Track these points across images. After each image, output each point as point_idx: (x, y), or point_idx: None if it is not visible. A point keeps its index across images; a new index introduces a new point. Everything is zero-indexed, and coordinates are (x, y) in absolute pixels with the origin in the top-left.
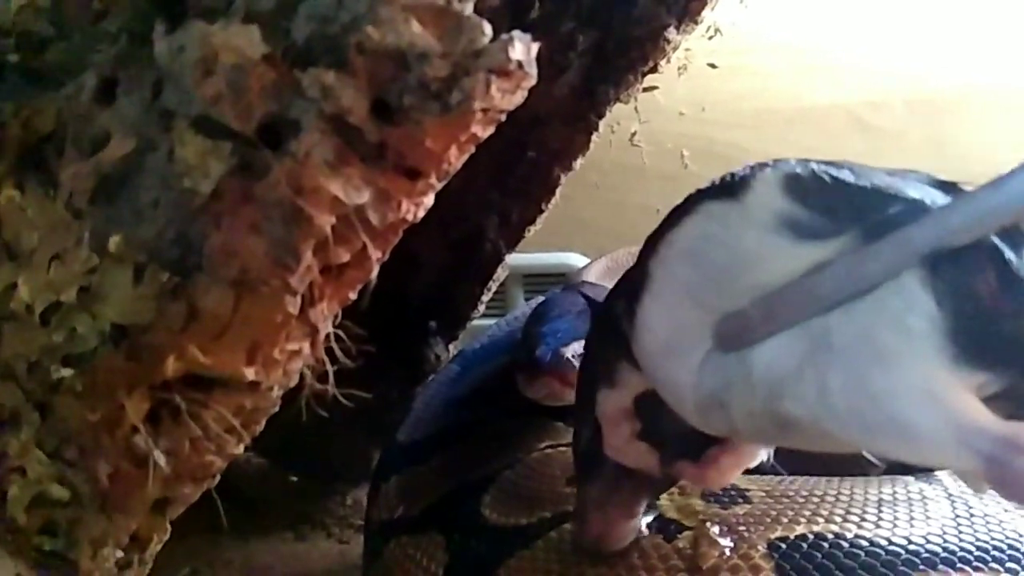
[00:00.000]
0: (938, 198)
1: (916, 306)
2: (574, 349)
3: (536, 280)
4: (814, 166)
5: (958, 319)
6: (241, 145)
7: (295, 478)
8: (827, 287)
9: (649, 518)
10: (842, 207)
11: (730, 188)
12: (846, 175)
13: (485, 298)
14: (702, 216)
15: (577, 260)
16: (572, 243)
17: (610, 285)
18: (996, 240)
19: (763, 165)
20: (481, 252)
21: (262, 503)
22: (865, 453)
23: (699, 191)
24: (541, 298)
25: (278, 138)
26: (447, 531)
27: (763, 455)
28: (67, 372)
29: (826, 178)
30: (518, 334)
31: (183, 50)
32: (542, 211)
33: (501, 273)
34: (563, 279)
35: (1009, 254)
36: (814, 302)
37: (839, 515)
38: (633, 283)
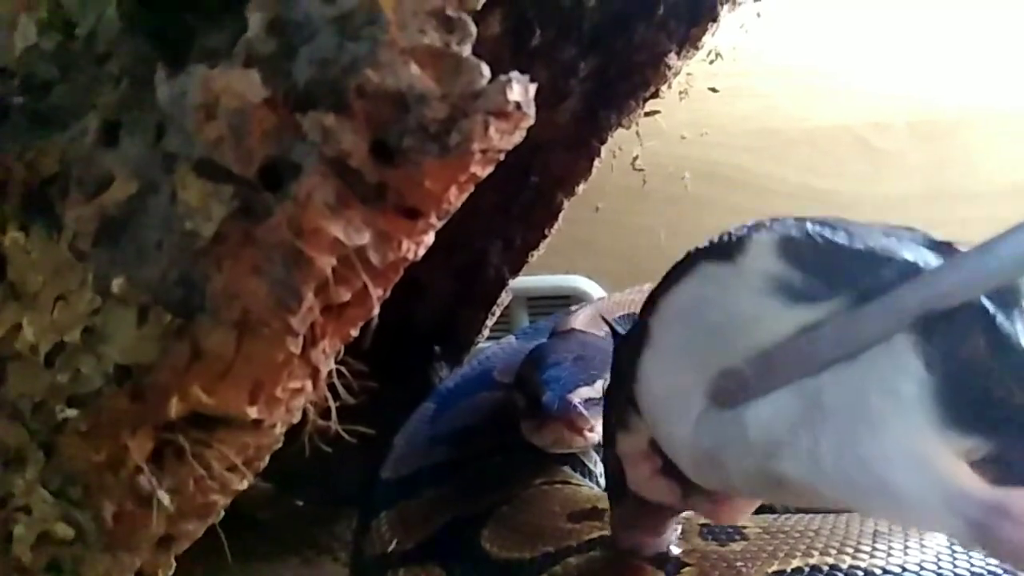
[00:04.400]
0: (932, 260)
1: (906, 370)
2: (580, 395)
3: (540, 303)
4: (809, 227)
5: (947, 383)
6: (242, 188)
7: (301, 503)
8: (819, 349)
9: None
10: (835, 270)
11: (726, 249)
12: (841, 237)
13: (489, 322)
14: (698, 277)
15: (581, 283)
16: (576, 266)
17: (598, 332)
18: (986, 302)
19: (759, 226)
20: (485, 277)
21: (268, 528)
22: None
23: (697, 250)
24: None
25: (279, 181)
26: (447, 564)
27: None
28: (72, 412)
29: (820, 240)
30: (492, 372)
31: (185, 94)
32: (545, 236)
33: (505, 297)
34: (567, 301)
35: (1000, 317)
36: (807, 363)
37: (834, 548)
38: (634, 338)
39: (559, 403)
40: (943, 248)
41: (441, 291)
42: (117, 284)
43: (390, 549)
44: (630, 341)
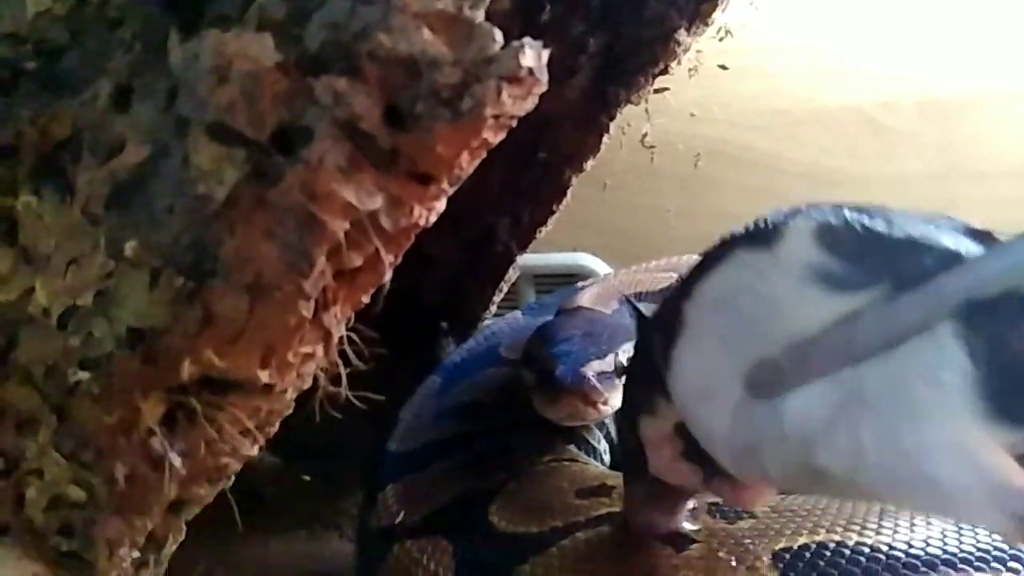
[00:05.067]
0: (972, 248)
1: (949, 360)
2: (593, 368)
3: (547, 280)
4: (847, 215)
5: (992, 374)
6: (255, 152)
7: (308, 478)
8: (859, 338)
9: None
10: (875, 258)
11: (763, 237)
12: (880, 225)
13: (496, 298)
14: (735, 264)
15: (588, 260)
16: (583, 244)
17: (604, 309)
18: None
19: (796, 212)
20: (493, 253)
21: (275, 503)
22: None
23: (732, 236)
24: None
25: (291, 145)
26: (454, 537)
27: None
28: (84, 375)
29: (859, 228)
30: (498, 348)
31: (197, 58)
32: (553, 212)
33: (512, 274)
34: (573, 279)
35: None
36: (846, 353)
37: (840, 525)
38: (668, 323)
39: (573, 376)
40: (982, 236)
41: (449, 266)
42: (130, 248)
43: (397, 522)
44: (662, 326)
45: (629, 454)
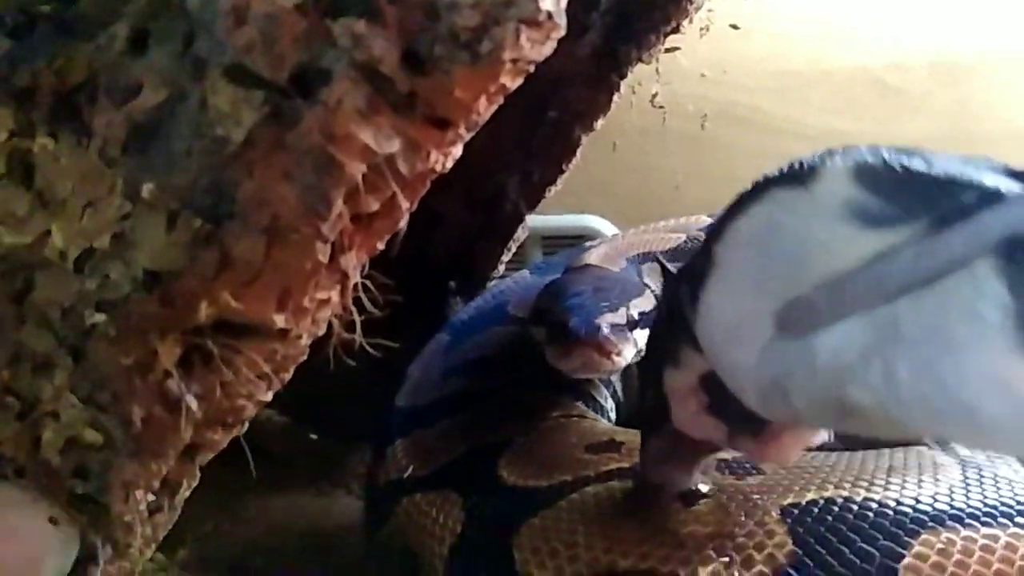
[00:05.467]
0: (1012, 186)
1: (988, 295)
2: (607, 320)
3: (555, 242)
4: (885, 154)
5: None
6: (273, 94)
7: (315, 436)
8: (896, 275)
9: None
10: (914, 195)
11: (799, 176)
12: (918, 163)
13: (505, 258)
14: (769, 203)
15: (595, 222)
16: (591, 206)
17: (612, 267)
18: None
19: (832, 153)
20: (502, 212)
21: (284, 461)
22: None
23: (766, 178)
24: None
25: (309, 87)
26: (463, 490)
27: (824, 434)
28: (100, 317)
29: (897, 167)
30: (506, 307)
31: (215, 0)
32: (563, 171)
33: (521, 233)
34: (581, 240)
35: None
36: (882, 290)
37: (849, 481)
38: (698, 267)
39: (587, 327)
40: (1022, 176)
41: (458, 225)
42: (147, 190)
43: (406, 475)
44: (691, 271)
45: (650, 409)
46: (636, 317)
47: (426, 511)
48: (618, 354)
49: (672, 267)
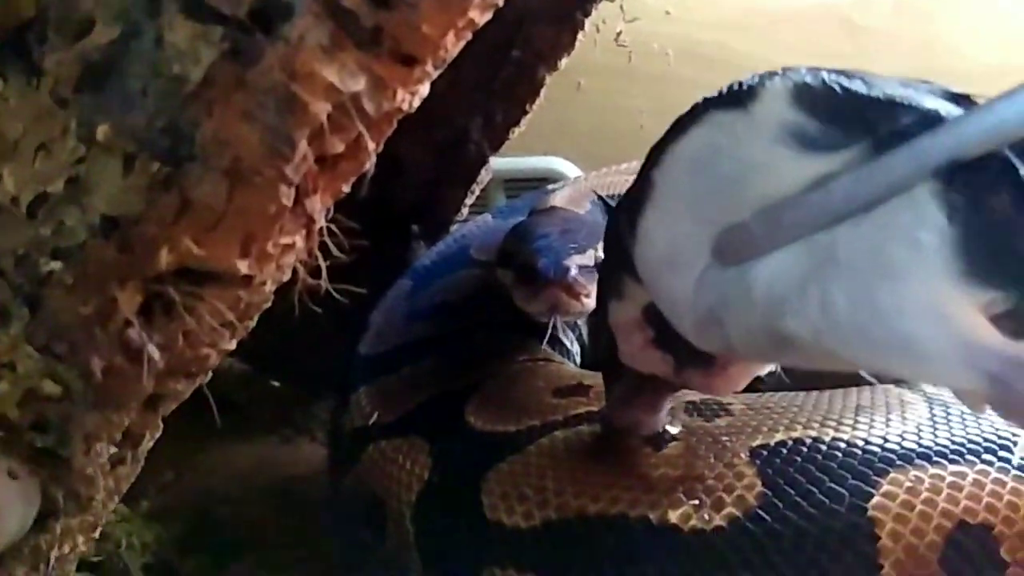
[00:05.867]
0: (952, 110)
1: (927, 220)
2: (576, 261)
3: (518, 184)
4: (825, 75)
5: (969, 235)
6: (232, 29)
7: (277, 384)
8: (835, 200)
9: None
10: (853, 118)
11: (738, 97)
12: (858, 85)
13: (468, 201)
14: (708, 126)
15: (559, 164)
16: (555, 147)
17: (578, 210)
18: (1010, 155)
19: (772, 74)
20: (465, 154)
21: (246, 409)
22: (863, 373)
23: (706, 100)
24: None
25: (270, 22)
26: (430, 436)
27: (772, 365)
28: (56, 265)
29: (837, 88)
30: (469, 250)
31: None
32: (527, 112)
33: (484, 176)
34: (545, 183)
35: (1022, 169)
36: (821, 215)
37: (817, 421)
38: (636, 194)
39: (555, 268)
40: (962, 100)
41: (420, 168)
42: (102, 131)
43: (371, 422)
44: (629, 199)
45: (605, 350)
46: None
47: (392, 458)
48: (587, 295)
49: (612, 201)
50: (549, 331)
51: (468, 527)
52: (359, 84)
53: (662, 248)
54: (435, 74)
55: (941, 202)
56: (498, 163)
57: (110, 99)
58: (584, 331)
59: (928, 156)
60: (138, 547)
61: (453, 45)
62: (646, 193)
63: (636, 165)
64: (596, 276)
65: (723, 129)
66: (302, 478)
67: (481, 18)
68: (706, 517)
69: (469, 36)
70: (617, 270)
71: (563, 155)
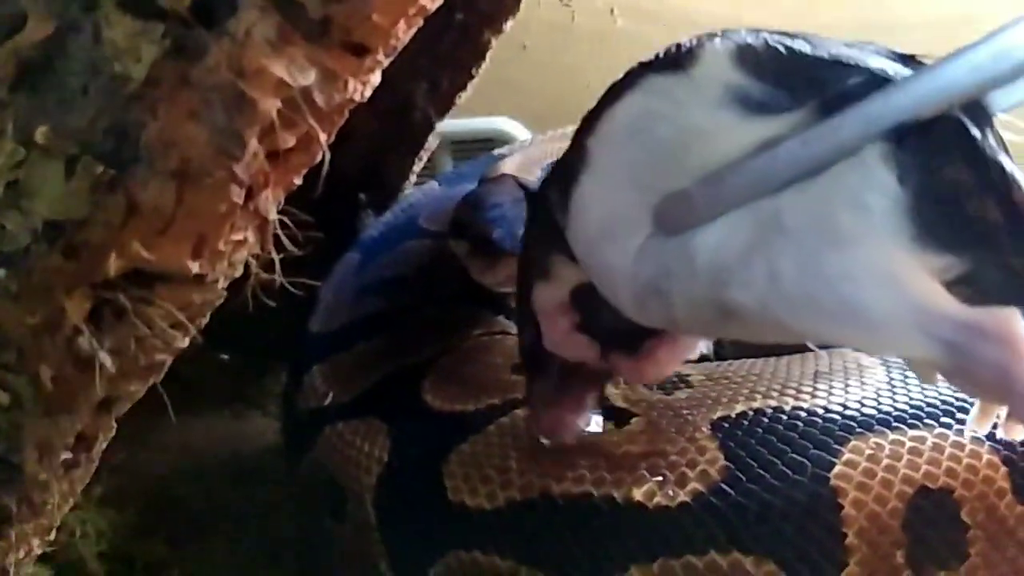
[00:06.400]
0: (900, 70)
1: (876, 183)
2: None
3: (465, 146)
4: (767, 36)
5: (921, 197)
6: (174, 25)
7: (227, 357)
8: (780, 164)
9: (599, 418)
10: (798, 79)
11: (676, 61)
12: (801, 45)
13: (416, 168)
14: (645, 91)
15: (506, 125)
16: (500, 107)
17: (529, 177)
18: (961, 116)
19: (711, 35)
20: (411, 121)
21: (196, 383)
22: (810, 344)
23: (642, 64)
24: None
25: (214, 16)
26: (388, 417)
27: (702, 347)
28: (0, 272)
29: (780, 49)
30: (417, 220)
31: None
32: (472, 76)
33: (432, 142)
34: (492, 144)
35: (976, 133)
36: (765, 181)
37: (776, 390)
38: (569, 165)
39: (511, 239)
40: (908, 60)
41: (366, 136)
42: (41, 133)
43: (326, 403)
44: (560, 171)
45: (527, 345)
46: None
47: (350, 440)
48: None
49: (527, 182)
50: (502, 300)
51: (431, 510)
52: (309, 78)
53: (599, 218)
54: (387, 62)
55: (891, 164)
56: (445, 125)
57: (49, 99)
58: None
59: (877, 117)
60: (93, 536)
61: (404, 33)
62: (581, 162)
63: None
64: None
65: (662, 94)
66: (257, 454)
67: (432, 5)
68: (670, 493)
69: (420, 22)
70: (544, 249)
71: (509, 114)
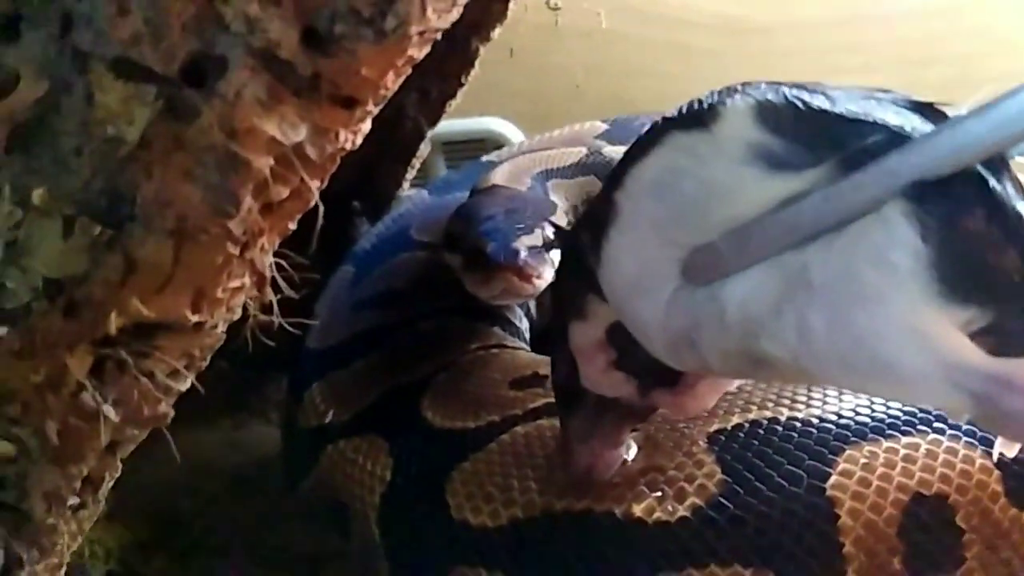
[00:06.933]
0: (918, 124)
1: (899, 241)
2: (524, 243)
3: (457, 147)
4: (787, 91)
5: (944, 253)
6: (166, 87)
7: (226, 364)
8: (804, 219)
9: (634, 448)
10: (818, 136)
11: (699, 117)
12: (821, 101)
13: (409, 175)
14: (669, 147)
15: (498, 125)
16: (491, 110)
17: (519, 187)
18: (981, 170)
19: (731, 91)
20: (402, 131)
21: (197, 393)
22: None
23: (665, 119)
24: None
25: (204, 77)
26: (389, 435)
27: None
28: (2, 330)
29: (800, 105)
30: (409, 231)
31: None
32: (462, 85)
33: (424, 150)
34: (484, 145)
35: (995, 184)
36: (790, 235)
37: (771, 400)
38: (599, 215)
39: (506, 252)
40: (926, 110)
41: (358, 148)
42: (37, 195)
43: (327, 421)
44: (592, 218)
45: (563, 382)
46: (552, 237)
47: (352, 459)
48: (538, 277)
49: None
50: (498, 311)
51: (435, 528)
52: (300, 134)
53: (630, 271)
54: (377, 111)
55: (913, 222)
56: (437, 127)
57: (43, 159)
58: (531, 304)
59: (897, 175)
60: (101, 555)
61: (393, 82)
62: (610, 216)
63: (568, 134)
64: (544, 256)
65: (685, 151)
66: (260, 464)
67: (420, 53)
68: (670, 509)
69: (409, 70)
70: (578, 290)
71: (500, 115)
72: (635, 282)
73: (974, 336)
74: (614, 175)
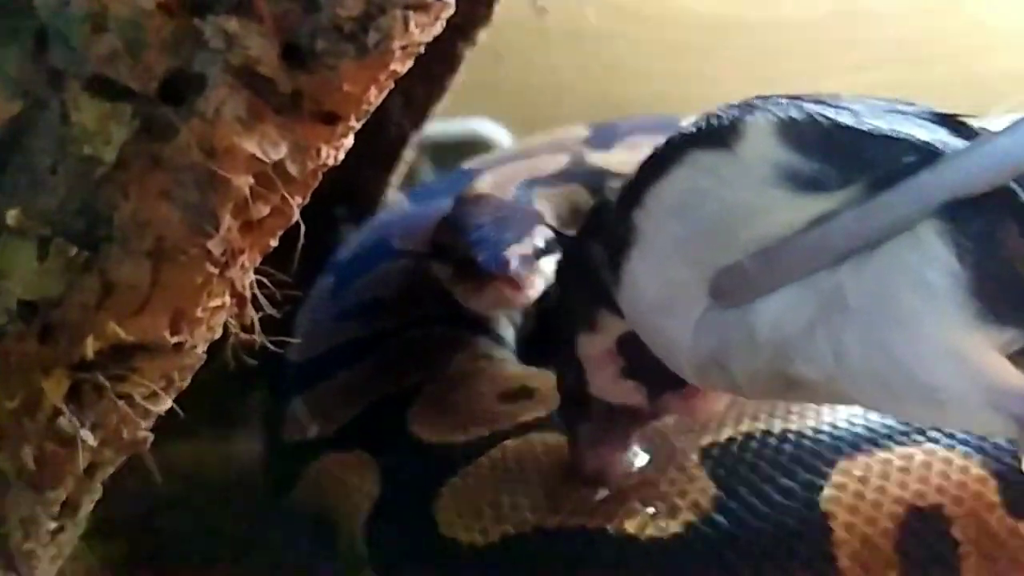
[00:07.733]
0: (948, 140)
1: (935, 261)
2: (515, 252)
3: (444, 149)
4: (809, 108)
5: (980, 273)
6: (143, 105)
7: (207, 374)
8: (835, 240)
9: (644, 457)
10: (846, 154)
11: (720, 136)
12: (846, 117)
13: (395, 181)
14: (690, 167)
15: (484, 126)
16: (477, 109)
17: (503, 196)
18: (1015, 186)
19: (750, 107)
20: (386, 136)
21: (178, 404)
22: None
23: (683, 137)
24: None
25: (182, 95)
26: (375, 450)
27: None
28: None
29: (824, 122)
30: (390, 240)
31: (67, 4)
32: (446, 89)
33: (409, 154)
34: (471, 146)
35: None
36: (820, 256)
37: (764, 412)
38: (617, 233)
39: (496, 262)
40: (952, 123)
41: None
42: (12, 216)
43: (311, 435)
44: (607, 234)
45: (571, 390)
46: (541, 246)
47: (338, 476)
48: (530, 286)
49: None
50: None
51: (424, 546)
52: (281, 152)
53: (654, 293)
54: (359, 125)
55: (948, 242)
56: (424, 128)
57: (17, 180)
58: (517, 314)
59: (930, 194)
60: (83, 573)
61: (376, 97)
62: (630, 236)
63: (551, 141)
64: (535, 264)
65: (707, 171)
66: (244, 475)
67: (403, 67)
68: (663, 525)
69: (392, 84)
70: (588, 302)
71: (488, 116)
72: (661, 304)
73: (1013, 357)
74: (630, 193)
